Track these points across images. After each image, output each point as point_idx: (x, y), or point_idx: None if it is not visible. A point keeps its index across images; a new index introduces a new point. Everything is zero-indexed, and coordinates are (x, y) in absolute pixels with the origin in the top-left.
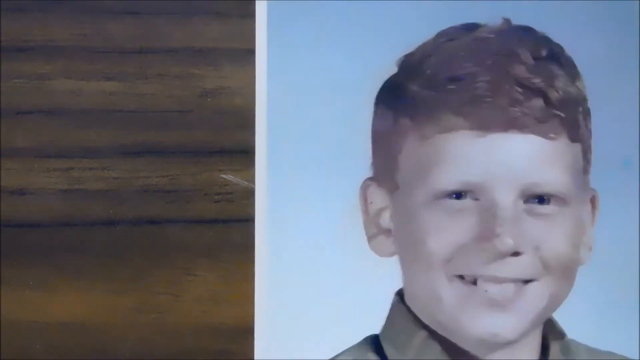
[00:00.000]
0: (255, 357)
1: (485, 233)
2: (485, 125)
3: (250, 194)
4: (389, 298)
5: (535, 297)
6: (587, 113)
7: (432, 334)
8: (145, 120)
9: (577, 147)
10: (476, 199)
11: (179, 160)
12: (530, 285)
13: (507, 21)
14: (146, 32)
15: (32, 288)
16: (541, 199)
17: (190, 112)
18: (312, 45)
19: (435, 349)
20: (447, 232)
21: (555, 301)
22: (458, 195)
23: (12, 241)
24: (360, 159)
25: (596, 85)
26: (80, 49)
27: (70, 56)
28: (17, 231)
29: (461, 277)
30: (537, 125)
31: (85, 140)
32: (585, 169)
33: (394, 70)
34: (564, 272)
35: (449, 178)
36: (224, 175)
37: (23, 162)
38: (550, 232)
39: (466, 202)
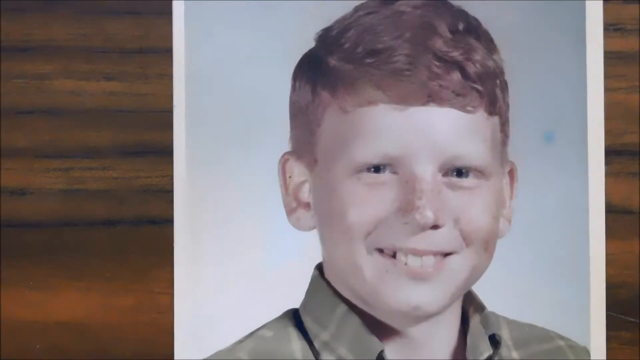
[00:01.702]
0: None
1: (405, 206)
2: (404, 99)
3: None
4: (309, 272)
5: (455, 269)
6: (504, 86)
7: (352, 308)
8: (145, 120)
9: (495, 120)
10: (395, 172)
11: None
12: (451, 258)
13: None
14: (146, 32)
15: (32, 288)
16: (460, 172)
17: None
18: (229, 20)
19: (355, 323)
20: (367, 205)
21: (475, 274)
22: (377, 168)
23: (12, 241)
24: (279, 134)
25: (515, 59)
26: (80, 49)
27: (70, 56)
28: (17, 231)
29: (381, 250)
30: (455, 98)
31: (85, 140)
32: (504, 142)
33: (312, 44)
34: (484, 245)
35: (368, 151)
36: None
37: (23, 162)
38: (469, 205)
39: (385, 175)
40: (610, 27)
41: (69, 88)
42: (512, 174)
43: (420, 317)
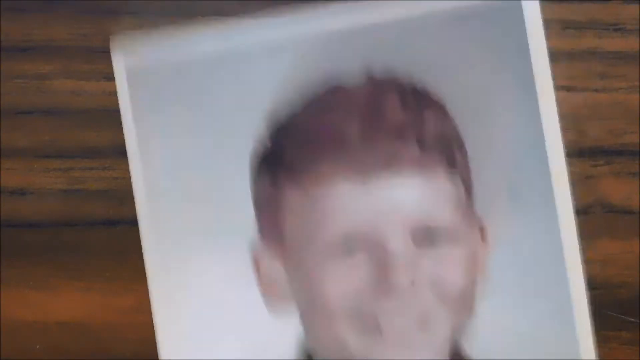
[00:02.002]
0: None
1: (381, 278)
2: (363, 174)
3: None
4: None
5: (437, 331)
6: (461, 146)
7: None
8: None
9: (457, 180)
10: (366, 248)
11: None
12: (431, 322)
13: (370, 73)
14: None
15: (32, 288)
16: (430, 236)
17: None
18: (181, 122)
19: None
20: (342, 283)
21: (457, 331)
22: (348, 245)
23: (12, 241)
24: (246, 225)
25: (470, 117)
26: (80, 49)
27: (70, 56)
28: (17, 231)
29: (363, 322)
30: (413, 167)
31: (85, 140)
32: (468, 201)
33: (264, 133)
34: (463, 304)
35: (334, 232)
36: None
37: (23, 162)
38: (444, 268)
39: (357, 251)
40: (610, 27)
41: (69, 88)
42: (482, 231)
43: None
